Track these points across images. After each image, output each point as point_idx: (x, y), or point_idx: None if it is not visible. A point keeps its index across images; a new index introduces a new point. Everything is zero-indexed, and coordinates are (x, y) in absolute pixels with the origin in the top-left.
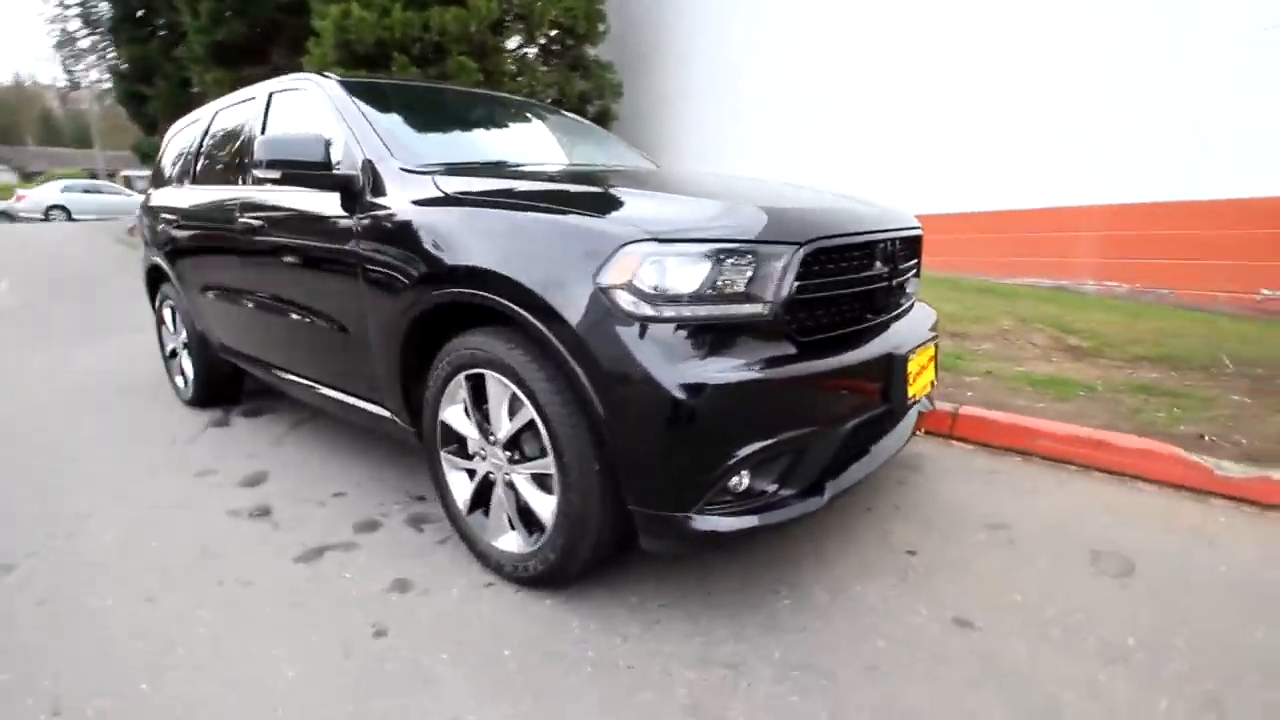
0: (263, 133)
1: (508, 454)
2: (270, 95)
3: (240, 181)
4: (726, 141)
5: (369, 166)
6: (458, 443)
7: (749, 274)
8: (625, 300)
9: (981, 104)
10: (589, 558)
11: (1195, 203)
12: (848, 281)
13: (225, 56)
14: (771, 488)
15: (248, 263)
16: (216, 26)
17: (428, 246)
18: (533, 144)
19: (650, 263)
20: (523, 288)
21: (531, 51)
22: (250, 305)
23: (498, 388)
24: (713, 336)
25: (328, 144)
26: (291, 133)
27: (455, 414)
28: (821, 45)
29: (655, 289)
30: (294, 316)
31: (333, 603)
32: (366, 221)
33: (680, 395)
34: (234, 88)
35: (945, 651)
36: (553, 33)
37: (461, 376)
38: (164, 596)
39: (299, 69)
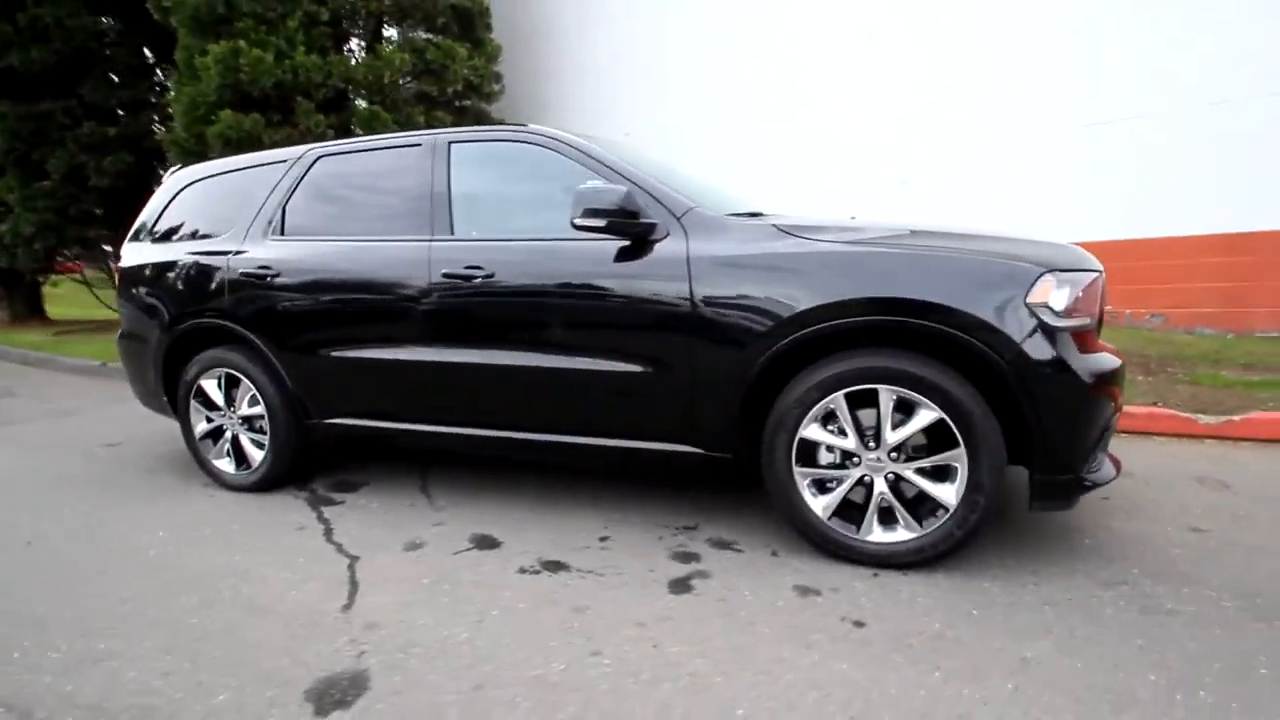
0: (449, 184)
1: (893, 455)
2: (449, 145)
3: (424, 233)
4: None
5: (671, 215)
6: (808, 457)
7: (1081, 294)
8: (1045, 315)
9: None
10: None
11: None
12: None
13: (17, 88)
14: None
15: (457, 316)
16: (5, 51)
17: (813, 284)
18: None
19: (1053, 287)
20: (956, 309)
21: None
22: (437, 362)
23: (888, 398)
24: (1083, 340)
25: (632, 195)
26: (602, 185)
27: (815, 430)
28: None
29: (1052, 306)
30: (571, 366)
31: (770, 613)
32: (709, 265)
33: (1095, 380)
34: (22, 124)
35: (1209, 546)
36: (460, 87)
37: (839, 394)
38: (605, 649)
39: (132, 105)
